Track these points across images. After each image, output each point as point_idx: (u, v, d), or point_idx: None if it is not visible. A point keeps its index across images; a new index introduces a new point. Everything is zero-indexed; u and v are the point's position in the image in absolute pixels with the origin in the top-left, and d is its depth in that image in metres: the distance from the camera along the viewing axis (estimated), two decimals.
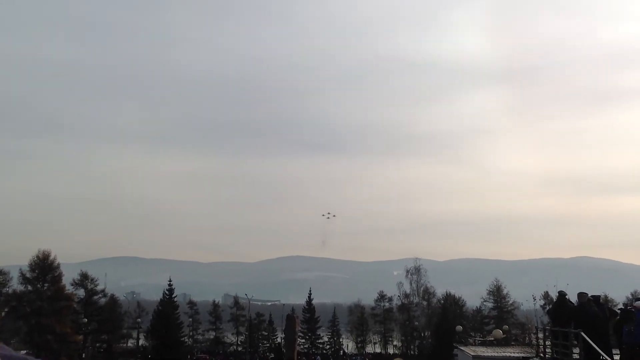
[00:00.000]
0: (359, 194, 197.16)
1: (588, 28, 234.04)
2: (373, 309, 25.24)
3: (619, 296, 21.40)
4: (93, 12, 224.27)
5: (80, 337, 18.28)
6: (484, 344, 13.34)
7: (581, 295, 5.79)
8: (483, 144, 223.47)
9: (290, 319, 8.70)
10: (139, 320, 22.42)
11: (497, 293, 23.73)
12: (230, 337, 24.84)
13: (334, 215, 30.33)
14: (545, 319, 12.15)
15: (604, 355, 5.22)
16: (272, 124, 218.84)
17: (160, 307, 21.64)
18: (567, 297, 6.08)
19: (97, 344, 21.11)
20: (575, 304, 5.87)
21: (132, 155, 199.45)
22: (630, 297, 19.11)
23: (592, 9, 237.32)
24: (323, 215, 29.41)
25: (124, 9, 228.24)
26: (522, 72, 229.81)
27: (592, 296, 5.87)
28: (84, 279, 20.31)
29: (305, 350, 22.68)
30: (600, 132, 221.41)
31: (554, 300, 7.06)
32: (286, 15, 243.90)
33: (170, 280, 23.15)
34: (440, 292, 24.69)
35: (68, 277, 18.93)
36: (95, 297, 20.65)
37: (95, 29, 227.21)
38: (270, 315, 25.10)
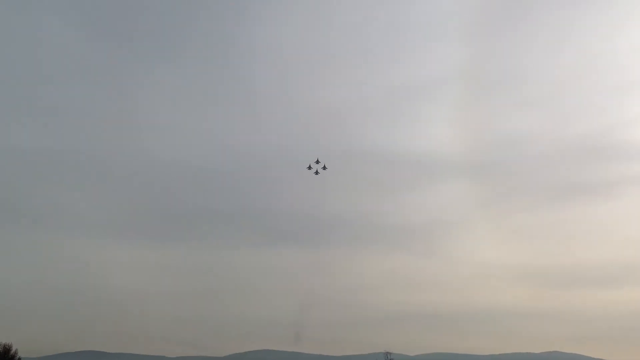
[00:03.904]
0: (329, 285, 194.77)
1: (552, 124, 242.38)
2: None
3: None
4: (63, 99, 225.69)
5: None
6: None
7: None
8: (452, 236, 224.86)
9: None
10: None
11: None
12: None
13: (323, 168, 25.11)
14: None
15: None
16: (239, 214, 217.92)
17: None
18: None
19: None
20: None
21: (96, 244, 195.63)
22: None
23: (555, 105, 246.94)
24: (310, 167, 24.85)
25: (91, 95, 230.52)
26: (489, 165, 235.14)
27: None
28: None
29: None
30: (568, 225, 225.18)
31: None
32: (255, 104, 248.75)
33: None
34: None
35: None
36: None
37: (62, 116, 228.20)
38: None
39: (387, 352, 23.93)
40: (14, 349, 38.36)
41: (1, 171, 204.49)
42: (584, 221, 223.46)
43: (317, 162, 24.53)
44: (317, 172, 25.12)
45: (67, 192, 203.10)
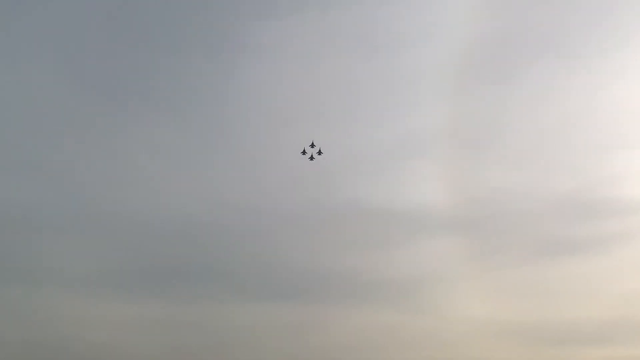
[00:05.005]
0: (316, 342, 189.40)
1: (538, 180, 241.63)
2: None
3: None
4: (42, 154, 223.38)
5: None
6: None
7: None
8: (442, 291, 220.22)
9: None
10: None
11: None
12: None
13: (319, 152, 22.86)
14: None
15: None
16: (223, 269, 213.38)
17: None
18: None
19: None
20: None
21: (74, 299, 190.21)
22: None
23: (541, 161, 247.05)
24: (304, 152, 22.62)
25: (73, 151, 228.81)
26: (477, 221, 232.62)
27: None
28: None
29: None
30: (558, 281, 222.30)
31: None
32: (242, 158, 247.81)
33: None
34: None
35: None
36: None
37: (43, 170, 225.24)
38: None
39: None
40: None
41: None
42: (574, 277, 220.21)
43: (312, 145, 22.48)
44: (311, 158, 23.23)
45: (42, 245, 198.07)
